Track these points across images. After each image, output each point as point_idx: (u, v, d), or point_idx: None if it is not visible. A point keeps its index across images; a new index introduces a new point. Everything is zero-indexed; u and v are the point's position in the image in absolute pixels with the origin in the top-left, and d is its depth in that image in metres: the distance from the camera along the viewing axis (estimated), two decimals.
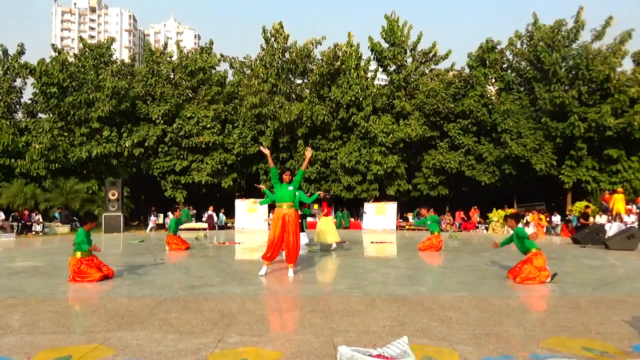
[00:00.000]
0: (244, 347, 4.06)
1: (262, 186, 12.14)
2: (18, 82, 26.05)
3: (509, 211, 23.87)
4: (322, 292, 6.65)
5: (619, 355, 3.91)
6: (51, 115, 24.91)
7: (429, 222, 12.89)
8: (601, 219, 18.97)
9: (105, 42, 27.64)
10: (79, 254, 7.51)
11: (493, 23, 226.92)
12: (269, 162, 8.14)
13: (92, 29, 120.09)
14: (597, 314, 5.35)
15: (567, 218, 22.38)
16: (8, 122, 24.03)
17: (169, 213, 25.43)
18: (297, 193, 8.65)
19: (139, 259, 10.70)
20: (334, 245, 13.08)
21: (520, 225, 8.24)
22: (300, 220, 15.30)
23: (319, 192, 12.44)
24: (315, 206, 26.65)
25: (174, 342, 4.20)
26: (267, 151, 8.37)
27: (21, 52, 25.45)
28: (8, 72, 25.27)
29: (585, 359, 3.84)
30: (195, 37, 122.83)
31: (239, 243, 15.57)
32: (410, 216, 27.60)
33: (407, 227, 25.62)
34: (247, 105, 25.62)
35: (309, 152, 8.33)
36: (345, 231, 23.17)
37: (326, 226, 13.15)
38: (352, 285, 7.11)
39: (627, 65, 27.28)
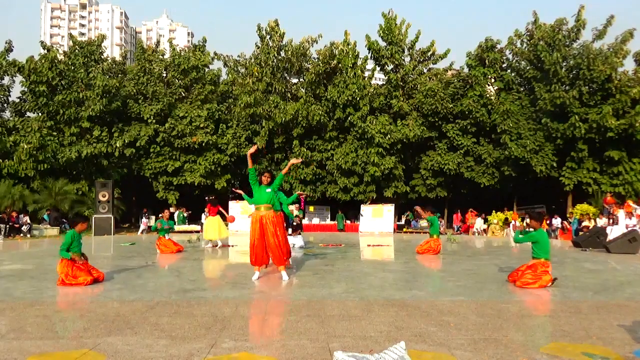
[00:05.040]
0: (237, 352, 4.02)
1: (240, 191, 11.82)
2: (6, 80, 25.67)
3: (509, 214, 23.62)
4: (317, 296, 6.52)
5: None
6: (40, 114, 24.54)
7: (431, 224, 12.49)
8: (601, 221, 18.71)
9: (96, 39, 27.26)
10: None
11: (492, 22, 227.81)
12: (249, 163, 7.94)
13: (83, 25, 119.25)
14: (598, 319, 5.31)
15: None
16: None
17: (160, 215, 24.98)
18: (276, 195, 8.50)
19: (130, 262, 10.60)
20: (210, 244, 14.38)
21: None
22: (296, 223, 15.06)
23: (297, 192, 12.35)
24: (311, 208, 26.28)
25: (166, 347, 4.16)
26: (252, 150, 8.05)
27: (9, 49, 25.08)
28: None
29: None
30: (188, 34, 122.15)
31: (232, 246, 15.22)
32: (403, 218, 27.34)
33: (404, 230, 25.23)
34: (241, 105, 25.19)
35: (296, 160, 8.54)
36: (341, 234, 22.82)
37: (210, 224, 14.31)
38: (349, 290, 7.03)
39: (629, 65, 27.06)
